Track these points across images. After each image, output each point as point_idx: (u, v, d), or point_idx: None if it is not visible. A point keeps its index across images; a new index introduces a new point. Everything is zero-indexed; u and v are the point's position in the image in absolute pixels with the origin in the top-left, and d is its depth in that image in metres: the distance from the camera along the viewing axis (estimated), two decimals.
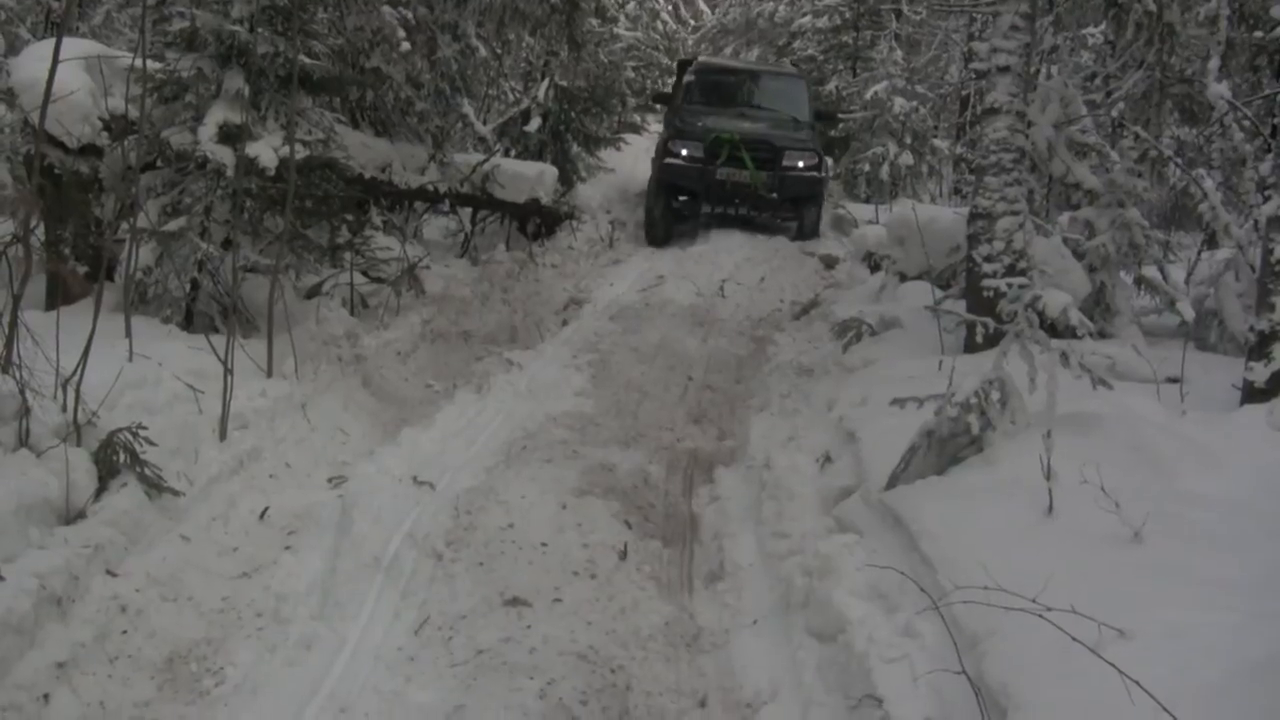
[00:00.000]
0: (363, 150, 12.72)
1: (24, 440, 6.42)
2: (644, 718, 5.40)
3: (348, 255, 11.08)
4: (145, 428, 6.76)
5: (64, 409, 6.70)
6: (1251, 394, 8.06)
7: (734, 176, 17.72)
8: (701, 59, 22.20)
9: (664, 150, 18.23)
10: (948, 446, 6.83)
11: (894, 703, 4.92)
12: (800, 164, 18.10)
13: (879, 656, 5.25)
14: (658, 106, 21.91)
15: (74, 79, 8.94)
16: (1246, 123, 12.13)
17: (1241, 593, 5.10)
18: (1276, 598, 5.01)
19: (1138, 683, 4.14)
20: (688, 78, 20.18)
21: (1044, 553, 5.45)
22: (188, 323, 9.47)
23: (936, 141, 25.22)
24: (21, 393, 6.47)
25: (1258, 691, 4.24)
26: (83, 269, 9.35)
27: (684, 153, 17.91)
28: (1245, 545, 5.65)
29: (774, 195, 17.91)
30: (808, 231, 18.36)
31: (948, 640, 5.00)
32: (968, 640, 4.93)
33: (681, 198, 18.10)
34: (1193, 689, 4.23)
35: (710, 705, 5.57)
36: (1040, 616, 4.60)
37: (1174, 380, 8.61)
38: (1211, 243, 11.83)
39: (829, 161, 21.62)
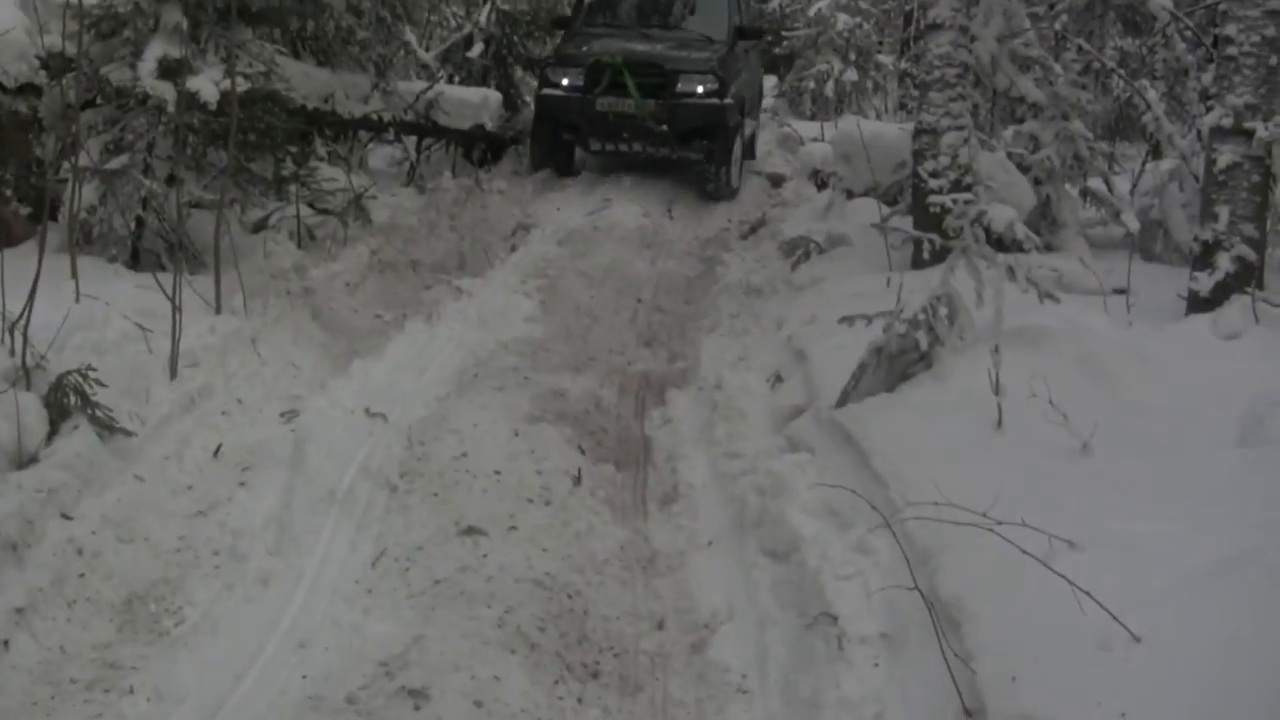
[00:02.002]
0: (305, 81, 12.56)
1: None
2: (602, 641, 5.43)
3: (293, 187, 10.95)
4: (95, 369, 6.69)
5: (11, 353, 6.64)
6: (1196, 304, 8.15)
7: (616, 107, 15.27)
8: None
9: (542, 79, 16.07)
10: (897, 363, 6.88)
11: (849, 619, 4.97)
12: (699, 89, 15.30)
13: (833, 574, 5.31)
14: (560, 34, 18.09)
15: (9, 17, 8.82)
16: (1189, 33, 12.20)
17: (1187, 501, 5.19)
18: (1221, 506, 5.10)
19: (1088, 593, 4.22)
20: None
21: (994, 467, 5.51)
22: (134, 261, 9.37)
23: (880, 57, 25.23)
24: None
25: (1204, 598, 4.30)
26: (25, 210, 9.26)
27: (563, 82, 15.53)
28: (1191, 454, 5.73)
29: (664, 128, 15.26)
30: (717, 177, 15.54)
31: (900, 556, 5.04)
32: (920, 555, 4.99)
33: (566, 135, 15.92)
34: (1141, 597, 4.30)
35: (668, 627, 5.60)
36: (991, 530, 4.66)
37: (1120, 292, 8.69)
38: (1156, 153, 11.94)
39: (762, 83, 20.04)
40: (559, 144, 16.06)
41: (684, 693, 5.07)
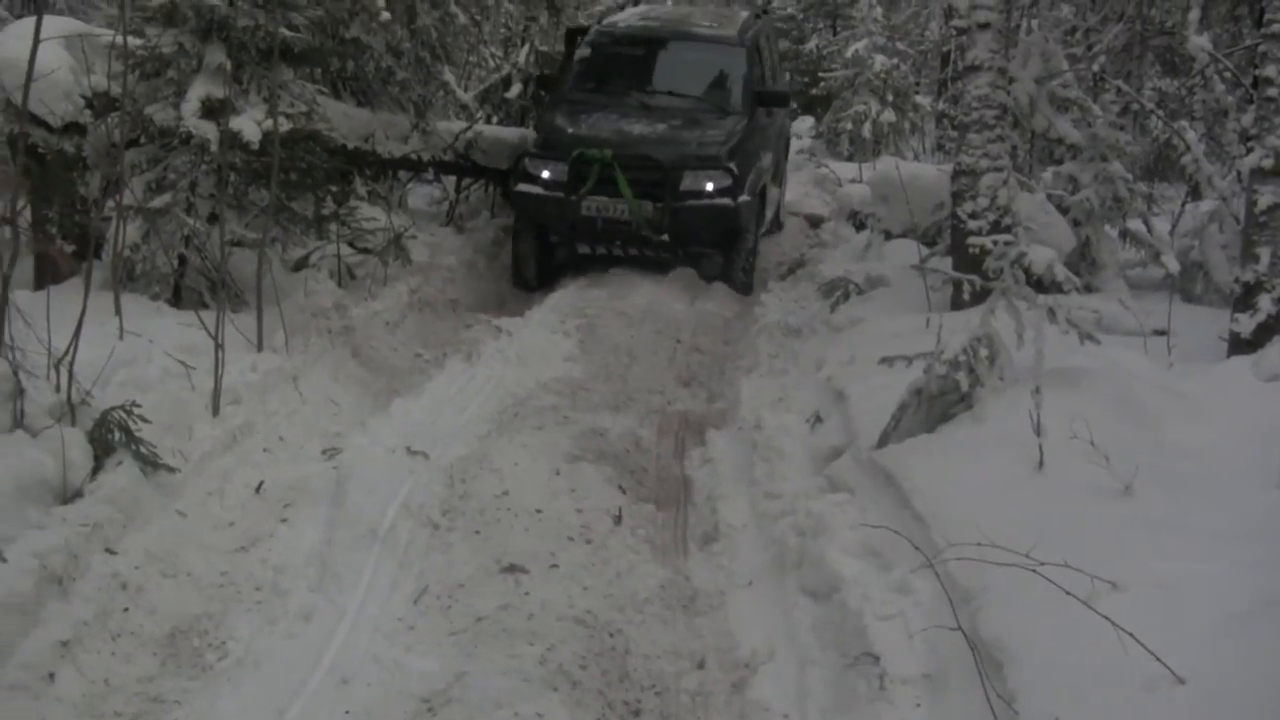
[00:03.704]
0: (345, 120, 12.69)
1: (19, 421, 6.46)
2: (643, 680, 5.47)
3: (333, 226, 11.08)
4: (139, 405, 6.79)
5: (57, 389, 6.74)
6: (1237, 345, 8.14)
7: (606, 211, 12.58)
8: (604, 22, 15.82)
9: (520, 174, 13.24)
10: (937, 404, 6.90)
11: (890, 659, 4.98)
12: (707, 186, 12.62)
13: (874, 614, 5.32)
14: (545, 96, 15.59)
15: (55, 57, 8.92)
16: (1228, 74, 12.19)
17: (1229, 542, 5.18)
18: (1262, 546, 5.09)
19: (1131, 634, 4.21)
20: (580, 51, 14.90)
21: (1035, 507, 5.53)
22: (176, 299, 9.50)
23: (918, 98, 25.26)
24: (15, 374, 6.51)
25: (1247, 639, 4.31)
26: (70, 248, 9.37)
27: (544, 175, 12.81)
28: (1232, 495, 5.72)
29: (664, 237, 12.72)
30: (730, 278, 13.01)
31: (942, 596, 5.05)
32: (962, 596, 5.00)
33: (552, 237, 13.43)
34: (1183, 638, 4.31)
35: (708, 666, 5.63)
36: (1033, 571, 4.66)
37: (1160, 333, 8.69)
38: (1195, 194, 11.90)
39: (789, 140, 17.85)
40: (544, 247, 13.48)
41: None
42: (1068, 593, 4.53)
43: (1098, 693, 4.19)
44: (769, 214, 14.80)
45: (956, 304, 9.04)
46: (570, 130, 13.21)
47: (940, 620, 4.95)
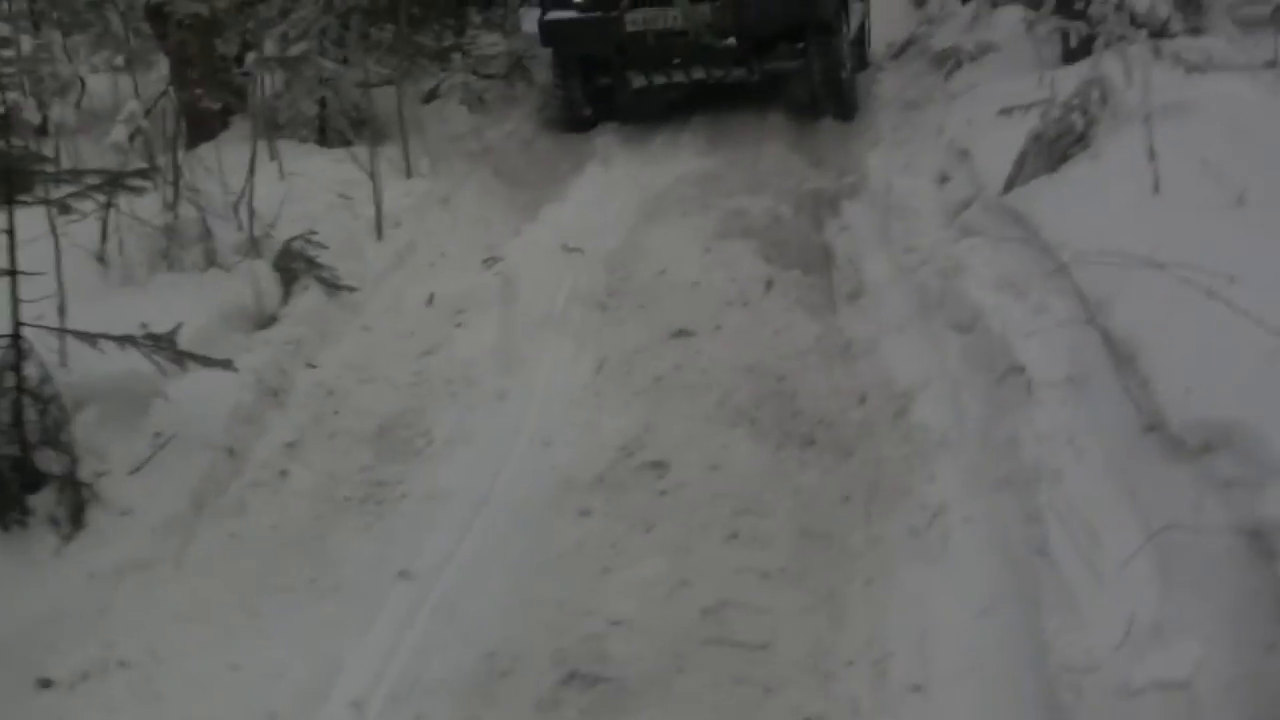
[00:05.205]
0: None
1: (211, 260, 7.13)
2: (813, 415, 6.00)
3: (456, 55, 11.56)
4: (316, 233, 7.41)
5: (239, 228, 7.37)
6: None
7: (655, 23, 10.69)
8: None
9: None
10: (1056, 147, 7.26)
11: (1035, 368, 5.40)
12: None
13: (1016, 333, 5.77)
14: None
15: None
16: None
17: None
18: None
19: (1249, 313, 4.66)
20: None
21: (1154, 224, 5.89)
22: (322, 139, 10.09)
23: None
24: (203, 219, 7.16)
25: None
26: (216, 106, 9.94)
27: None
28: None
29: (731, 41, 10.83)
30: (830, 94, 11.33)
31: (1077, 310, 5.51)
32: (1095, 304, 5.45)
33: (603, 78, 11.60)
34: None
35: (869, 400, 6.14)
36: (1157, 270, 5.11)
37: (1271, 64, 8.88)
38: None
39: None
40: (592, 87, 11.66)
41: (892, 451, 5.59)
42: (1192, 284, 4.95)
43: (1225, 367, 4.62)
44: (853, 25, 12.35)
45: (1067, 58, 9.30)
46: None
47: (1077, 331, 5.43)
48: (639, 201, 9.39)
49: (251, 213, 7.41)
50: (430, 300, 7.71)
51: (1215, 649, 3.60)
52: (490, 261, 8.32)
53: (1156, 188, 6.37)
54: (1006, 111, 7.50)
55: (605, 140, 11.02)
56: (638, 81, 11.34)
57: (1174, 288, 5.05)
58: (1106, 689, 3.66)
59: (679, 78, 11.24)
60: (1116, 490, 4.49)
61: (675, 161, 10.47)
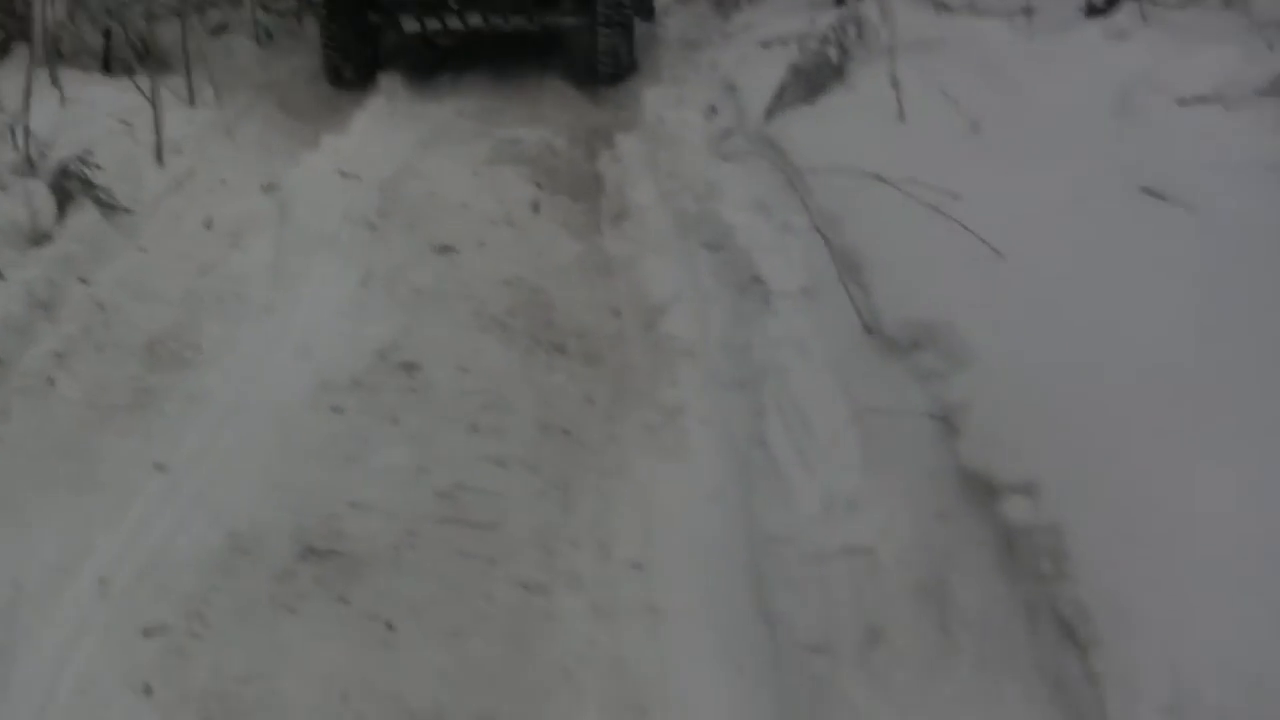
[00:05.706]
0: None
1: None
2: (566, 326, 6.21)
3: None
4: (92, 153, 7.43)
5: (15, 148, 7.36)
6: (1093, 12, 8.77)
7: None
8: None
9: None
10: (813, 78, 7.60)
11: (773, 280, 5.74)
12: None
13: (761, 249, 6.08)
14: None
15: None
16: None
17: (1062, 160, 5.87)
18: (1085, 161, 5.81)
19: (960, 222, 5.00)
20: None
21: (894, 147, 6.26)
22: (106, 69, 10.04)
23: None
24: None
25: (1063, 226, 5.08)
26: None
27: None
28: (1070, 127, 6.42)
29: None
30: (609, 52, 10.66)
31: (815, 229, 5.84)
32: (829, 219, 5.77)
33: (373, 16, 10.66)
34: (1009, 228, 5.03)
35: (624, 313, 6.37)
36: (889, 187, 5.43)
37: (1027, 12, 9.29)
38: None
39: None
40: (361, 30, 10.79)
41: (640, 359, 5.85)
42: (911, 196, 5.29)
43: (935, 272, 4.96)
44: None
45: (839, 0, 9.65)
46: None
47: (814, 245, 5.73)
48: (418, 134, 9.47)
49: (28, 133, 7.39)
50: (208, 224, 7.74)
51: (898, 518, 3.94)
52: (269, 188, 8.36)
53: (901, 115, 6.71)
54: (766, 45, 7.79)
55: (389, 77, 11.08)
56: (410, 25, 10.56)
57: (902, 204, 5.39)
58: (804, 555, 3.97)
59: (454, 24, 10.48)
60: (834, 385, 4.82)
61: (457, 97, 10.59)
